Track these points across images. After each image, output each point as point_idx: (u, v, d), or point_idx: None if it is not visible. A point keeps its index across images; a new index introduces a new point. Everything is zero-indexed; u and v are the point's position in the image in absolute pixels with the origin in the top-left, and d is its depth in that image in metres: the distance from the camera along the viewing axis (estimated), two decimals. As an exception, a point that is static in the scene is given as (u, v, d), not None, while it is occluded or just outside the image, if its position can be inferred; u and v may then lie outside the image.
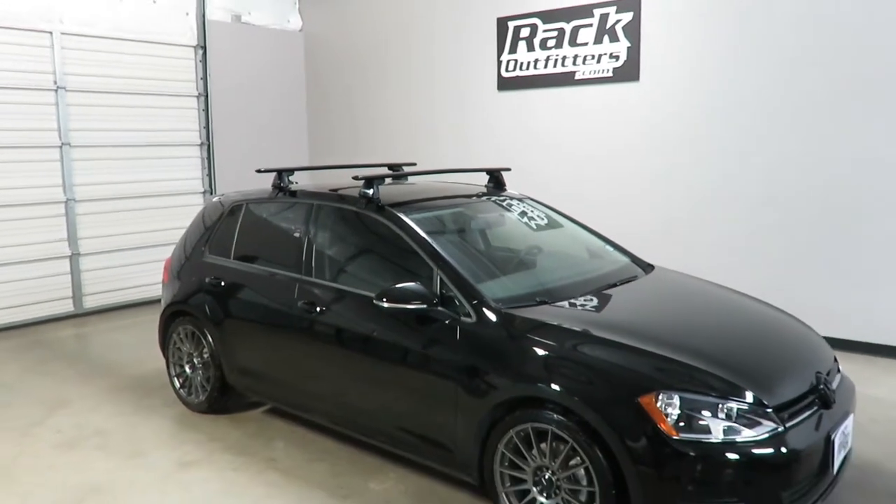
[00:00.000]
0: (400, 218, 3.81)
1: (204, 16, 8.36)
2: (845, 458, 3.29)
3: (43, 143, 7.17)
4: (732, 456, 2.76)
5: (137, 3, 7.79)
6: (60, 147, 7.28)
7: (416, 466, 3.84)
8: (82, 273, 7.55)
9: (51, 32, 7.14)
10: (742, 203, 6.19)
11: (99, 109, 7.54)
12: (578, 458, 2.95)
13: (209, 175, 8.53)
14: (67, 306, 7.47)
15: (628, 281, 3.95)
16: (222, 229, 4.76)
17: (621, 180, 6.88)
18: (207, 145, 8.49)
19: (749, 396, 2.88)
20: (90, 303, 7.62)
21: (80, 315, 7.50)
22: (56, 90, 7.20)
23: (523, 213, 4.50)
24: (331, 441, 4.26)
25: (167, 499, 3.65)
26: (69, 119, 7.32)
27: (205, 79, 8.40)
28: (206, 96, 8.42)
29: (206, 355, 4.65)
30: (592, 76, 6.95)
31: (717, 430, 2.80)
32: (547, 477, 3.07)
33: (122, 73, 7.68)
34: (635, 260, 4.34)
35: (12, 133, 6.93)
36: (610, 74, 6.84)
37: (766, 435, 2.81)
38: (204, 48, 8.36)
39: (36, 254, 7.20)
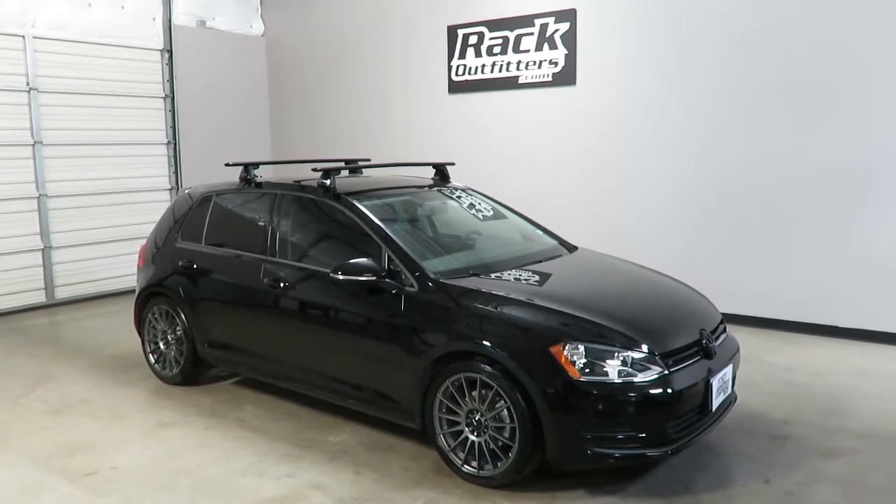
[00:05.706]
0: (354, 204, 4.37)
1: (170, 21, 8.80)
2: (727, 402, 3.95)
3: (16, 141, 7.55)
4: (626, 394, 3.40)
5: (106, 8, 8.20)
6: (33, 146, 7.67)
7: (370, 422, 4.40)
8: (54, 265, 7.93)
9: (23, 36, 7.52)
10: (672, 196, 6.88)
11: (70, 110, 7.94)
12: (502, 401, 3.54)
13: (175, 172, 8.96)
14: (40, 297, 7.85)
15: (553, 258, 4.57)
16: (193, 217, 5.24)
17: (559, 175, 7.52)
18: (174, 144, 8.92)
19: (643, 347, 3.50)
20: (62, 293, 8.00)
21: (53, 305, 7.88)
22: (29, 91, 7.59)
23: (465, 202, 5.09)
24: (295, 405, 4.79)
25: (149, 451, 4.15)
26: (41, 119, 7.71)
27: (171, 81, 8.83)
28: (173, 98, 8.85)
29: (178, 332, 5.13)
30: (534, 80, 7.59)
31: (613, 373, 3.42)
32: (477, 418, 3.65)
33: (91, 76, 8.09)
34: (562, 242, 4.96)
35: (-13, 132, 7.31)
36: (550, 79, 7.48)
37: (654, 377, 3.44)
38: (170, 52, 8.80)
39: (9, 247, 7.57)
